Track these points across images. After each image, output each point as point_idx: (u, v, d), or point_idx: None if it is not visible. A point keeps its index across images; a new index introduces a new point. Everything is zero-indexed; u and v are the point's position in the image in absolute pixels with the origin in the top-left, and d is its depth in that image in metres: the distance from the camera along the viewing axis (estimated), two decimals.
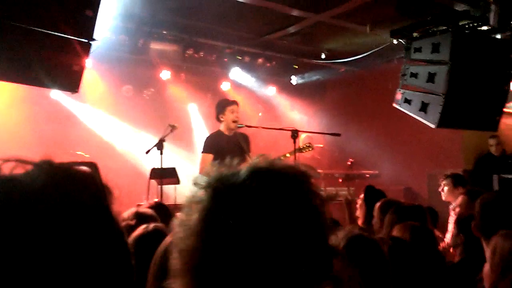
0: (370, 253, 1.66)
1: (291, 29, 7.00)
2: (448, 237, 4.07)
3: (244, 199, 0.92)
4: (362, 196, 4.40)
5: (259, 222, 0.89)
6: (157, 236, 2.46)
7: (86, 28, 3.74)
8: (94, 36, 3.97)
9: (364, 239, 1.69)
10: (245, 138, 6.26)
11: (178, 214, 1.01)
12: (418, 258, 2.12)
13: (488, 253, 2.25)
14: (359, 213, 4.32)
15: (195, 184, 0.98)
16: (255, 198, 0.91)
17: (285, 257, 0.89)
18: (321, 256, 0.93)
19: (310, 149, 6.14)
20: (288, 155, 5.85)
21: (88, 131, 7.85)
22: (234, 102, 6.14)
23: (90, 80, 7.41)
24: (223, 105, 6.15)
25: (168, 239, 2.15)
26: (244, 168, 0.96)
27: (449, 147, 7.58)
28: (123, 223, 2.88)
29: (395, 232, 2.39)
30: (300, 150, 5.85)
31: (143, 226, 2.57)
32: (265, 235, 0.89)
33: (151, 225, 2.49)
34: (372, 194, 4.26)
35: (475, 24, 5.48)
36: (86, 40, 3.80)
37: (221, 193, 0.94)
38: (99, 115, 8.00)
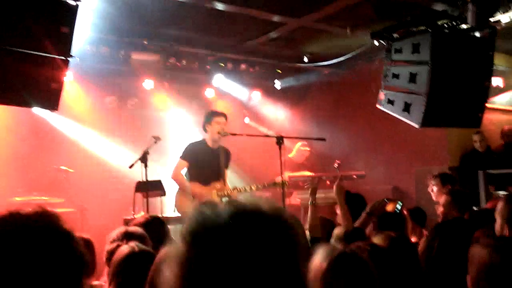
0: (356, 271, 1.65)
1: (273, 34, 6.98)
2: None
3: (224, 243, 0.90)
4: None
5: (238, 268, 0.89)
6: (142, 257, 2.44)
7: (63, 45, 3.70)
8: (73, 52, 3.93)
9: (348, 256, 1.67)
10: (227, 153, 6.28)
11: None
12: (396, 267, 2.10)
13: None
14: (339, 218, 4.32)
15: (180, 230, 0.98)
16: (235, 243, 0.90)
17: None
18: None
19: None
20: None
21: (72, 145, 7.72)
22: (222, 115, 6.14)
23: (73, 94, 7.33)
24: (210, 115, 6.15)
25: (157, 259, 2.14)
26: (225, 209, 0.95)
27: (434, 144, 7.60)
28: (113, 244, 2.83)
29: (375, 241, 2.38)
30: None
31: (129, 246, 2.54)
32: (244, 281, 0.88)
33: (136, 247, 2.46)
34: (351, 198, 4.33)
35: (454, 23, 5.51)
36: (63, 58, 3.75)
37: (200, 238, 0.92)
38: (83, 129, 7.90)
